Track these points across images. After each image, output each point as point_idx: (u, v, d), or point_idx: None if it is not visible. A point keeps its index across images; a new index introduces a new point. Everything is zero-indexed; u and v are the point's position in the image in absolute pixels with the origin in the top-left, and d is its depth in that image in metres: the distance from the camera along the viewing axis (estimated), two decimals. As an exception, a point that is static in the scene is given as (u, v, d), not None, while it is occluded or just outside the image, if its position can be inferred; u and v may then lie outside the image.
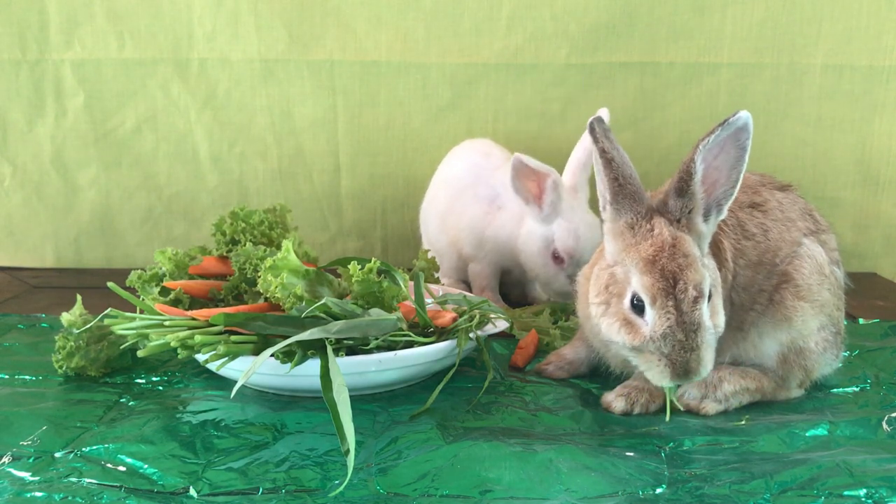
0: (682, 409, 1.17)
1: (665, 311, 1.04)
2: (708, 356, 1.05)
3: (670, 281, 1.04)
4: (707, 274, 1.06)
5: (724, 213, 1.09)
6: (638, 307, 1.07)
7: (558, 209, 1.60)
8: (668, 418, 1.13)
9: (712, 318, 1.07)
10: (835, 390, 1.28)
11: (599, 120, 1.11)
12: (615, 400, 1.19)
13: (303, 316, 1.19)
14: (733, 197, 1.08)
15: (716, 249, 1.15)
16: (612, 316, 1.10)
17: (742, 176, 1.07)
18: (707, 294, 1.06)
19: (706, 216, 1.09)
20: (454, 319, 1.34)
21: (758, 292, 1.19)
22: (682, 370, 1.04)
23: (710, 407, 1.18)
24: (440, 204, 1.81)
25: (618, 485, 0.98)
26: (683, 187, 1.07)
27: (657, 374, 1.06)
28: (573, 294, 1.52)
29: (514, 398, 1.24)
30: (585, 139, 1.61)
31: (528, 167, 1.57)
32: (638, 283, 1.06)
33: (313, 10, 1.99)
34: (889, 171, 2.03)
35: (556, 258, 1.61)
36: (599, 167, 1.10)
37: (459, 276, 1.83)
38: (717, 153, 1.06)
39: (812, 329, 1.20)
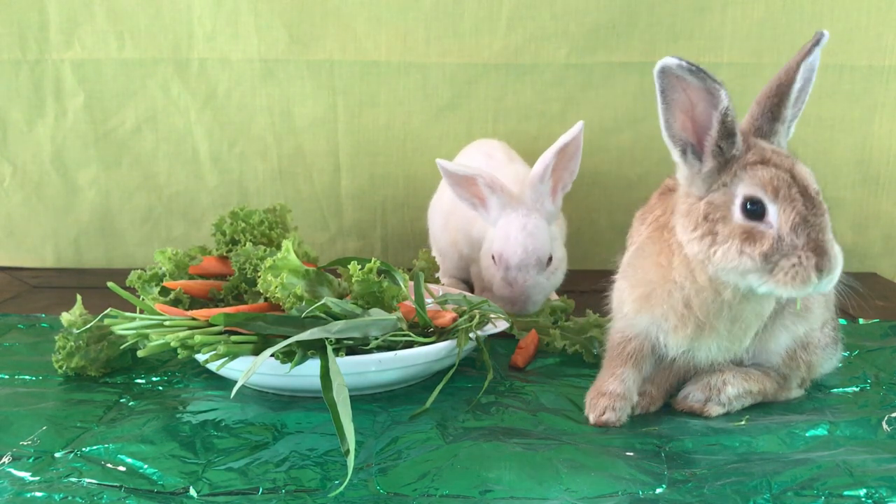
0: None
1: (791, 200, 0.96)
2: (838, 249, 0.97)
3: (787, 172, 0.97)
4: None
5: (792, 132, 1.05)
6: (754, 211, 0.98)
7: (505, 209, 1.55)
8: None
9: None
10: (835, 390, 1.28)
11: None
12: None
13: (303, 316, 1.19)
14: (797, 117, 1.06)
15: None
16: (726, 239, 0.99)
17: (808, 95, 1.04)
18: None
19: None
20: (454, 319, 1.34)
21: None
22: (825, 259, 0.95)
23: (713, 410, 1.18)
24: (444, 203, 1.81)
25: (618, 485, 0.98)
26: (780, 110, 1.03)
27: (800, 278, 0.95)
28: (509, 300, 1.56)
29: (514, 398, 1.24)
30: (547, 156, 1.51)
31: (454, 173, 1.54)
32: (751, 183, 0.98)
33: (313, 10, 1.98)
34: (889, 171, 2.03)
35: (493, 259, 1.58)
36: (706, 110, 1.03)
37: (462, 275, 1.83)
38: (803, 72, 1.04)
39: (820, 324, 1.20)
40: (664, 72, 1.02)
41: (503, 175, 1.61)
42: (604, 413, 1.15)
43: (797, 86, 1.03)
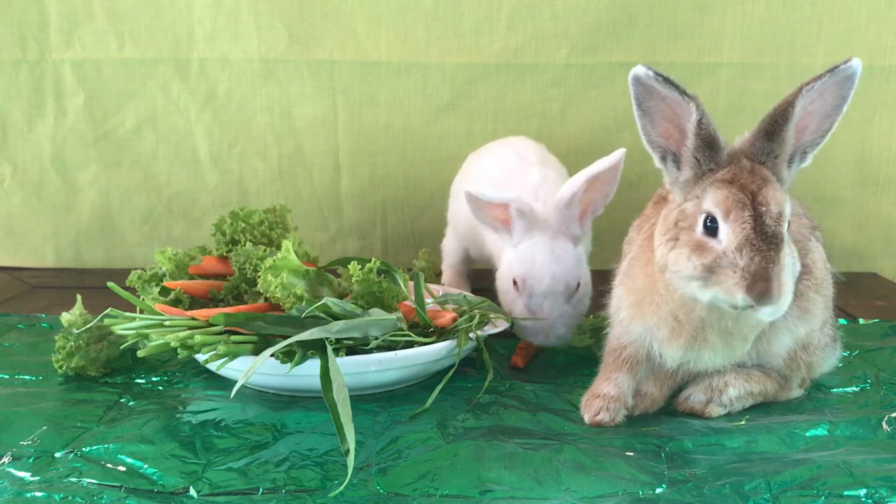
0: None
1: (741, 222, 0.96)
2: (788, 283, 0.96)
3: (748, 195, 0.97)
4: (789, 202, 0.99)
5: (808, 161, 1.04)
6: (711, 228, 0.99)
7: (530, 231, 1.41)
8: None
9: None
10: (835, 390, 1.28)
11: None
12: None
13: (303, 316, 1.19)
14: (820, 146, 1.04)
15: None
16: (683, 246, 1.01)
17: (836, 125, 1.01)
18: (788, 221, 0.98)
19: (790, 163, 1.04)
20: (454, 319, 1.34)
21: None
22: (762, 284, 0.93)
23: (715, 411, 1.18)
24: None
25: (618, 485, 0.98)
26: (775, 130, 1.01)
27: (730, 287, 0.96)
28: (531, 331, 1.40)
29: (514, 398, 1.24)
30: (577, 182, 1.37)
31: (487, 202, 1.39)
32: (711, 201, 0.99)
33: (313, 10, 1.98)
34: (889, 171, 2.03)
35: (514, 284, 1.42)
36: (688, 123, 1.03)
37: (474, 255, 1.78)
38: (815, 98, 1.01)
39: (819, 325, 1.21)
40: (637, 80, 1.02)
41: (533, 179, 1.53)
42: (598, 413, 1.16)
43: (798, 108, 1.01)
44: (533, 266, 1.39)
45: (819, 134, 1.04)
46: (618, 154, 1.38)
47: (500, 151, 1.74)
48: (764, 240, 0.95)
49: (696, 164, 1.04)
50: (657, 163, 1.08)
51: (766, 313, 0.97)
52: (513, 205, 1.38)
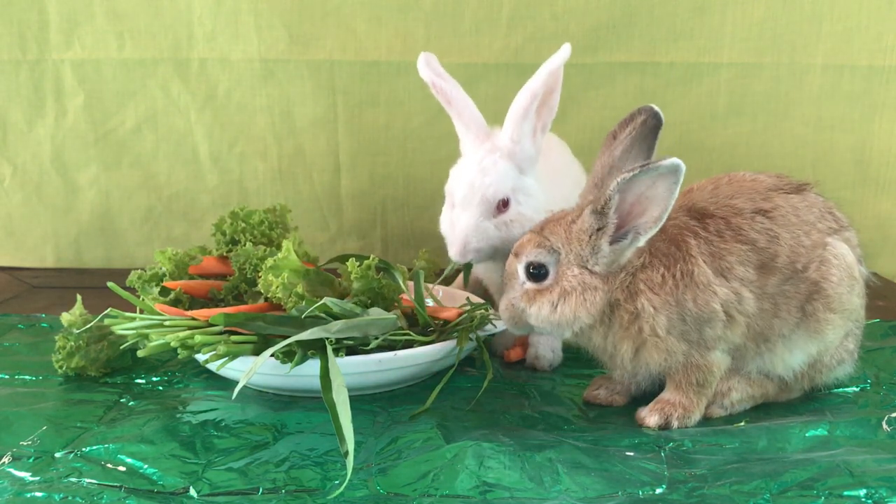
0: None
1: None
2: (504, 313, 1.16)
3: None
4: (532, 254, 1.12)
5: (642, 242, 1.09)
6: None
7: (473, 146, 1.37)
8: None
9: (534, 303, 1.12)
10: (835, 390, 1.28)
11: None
12: (649, 415, 1.18)
13: (303, 316, 1.19)
14: (654, 230, 1.07)
15: (679, 247, 1.12)
16: None
17: (667, 214, 1.06)
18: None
19: (616, 240, 1.09)
20: (459, 314, 1.34)
21: (782, 298, 1.14)
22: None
23: (716, 412, 1.19)
24: None
25: (618, 485, 0.98)
26: (599, 209, 1.08)
27: None
28: (449, 241, 1.34)
29: (514, 398, 1.24)
30: (535, 83, 1.31)
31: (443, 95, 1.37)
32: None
33: (313, 10, 1.98)
34: (889, 171, 2.03)
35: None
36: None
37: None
38: (650, 185, 1.05)
39: (837, 341, 1.19)
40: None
41: (557, 178, 1.44)
42: (597, 389, 1.26)
43: (614, 199, 1.08)
44: (457, 177, 1.34)
45: (652, 221, 1.07)
46: (564, 49, 1.31)
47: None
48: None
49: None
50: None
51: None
52: (461, 116, 1.36)
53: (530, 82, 1.32)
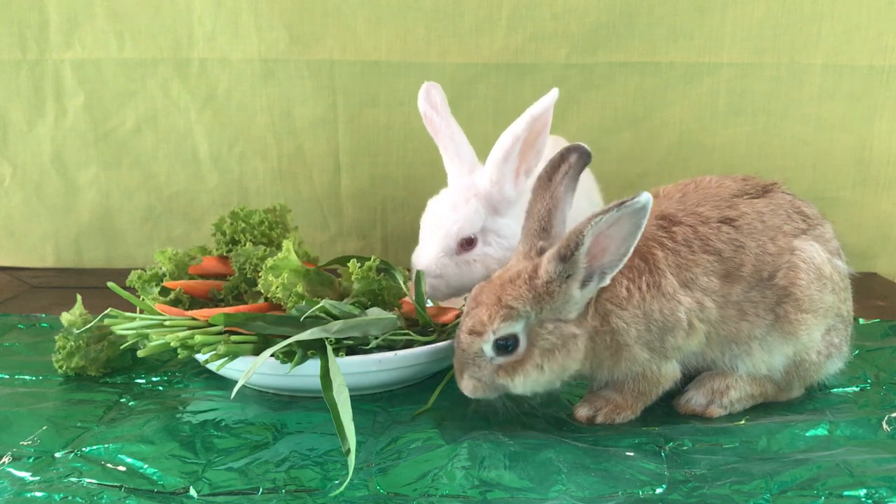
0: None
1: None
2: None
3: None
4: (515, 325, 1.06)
5: (607, 281, 1.07)
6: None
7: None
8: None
9: (516, 375, 1.09)
10: (835, 390, 1.28)
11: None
12: (580, 406, 1.19)
13: (303, 316, 1.19)
14: (618, 267, 1.06)
15: (645, 259, 1.11)
16: None
17: (632, 250, 1.05)
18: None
19: (585, 283, 1.07)
20: (457, 316, 1.34)
21: (749, 304, 1.14)
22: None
23: (716, 412, 1.19)
24: None
25: (618, 485, 0.98)
26: (567, 255, 1.04)
27: None
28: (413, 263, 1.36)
29: (514, 398, 1.24)
30: (518, 127, 1.31)
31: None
32: None
33: (313, 10, 1.98)
34: (889, 171, 2.03)
35: None
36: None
37: None
38: (612, 223, 1.03)
39: (817, 339, 1.18)
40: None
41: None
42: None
43: (588, 237, 1.04)
44: (429, 207, 1.37)
45: (617, 257, 1.06)
46: (551, 95, 1.32)
47: None
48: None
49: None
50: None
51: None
52: (446, 150, 1.39)
53: (514, 125, 1.31)
